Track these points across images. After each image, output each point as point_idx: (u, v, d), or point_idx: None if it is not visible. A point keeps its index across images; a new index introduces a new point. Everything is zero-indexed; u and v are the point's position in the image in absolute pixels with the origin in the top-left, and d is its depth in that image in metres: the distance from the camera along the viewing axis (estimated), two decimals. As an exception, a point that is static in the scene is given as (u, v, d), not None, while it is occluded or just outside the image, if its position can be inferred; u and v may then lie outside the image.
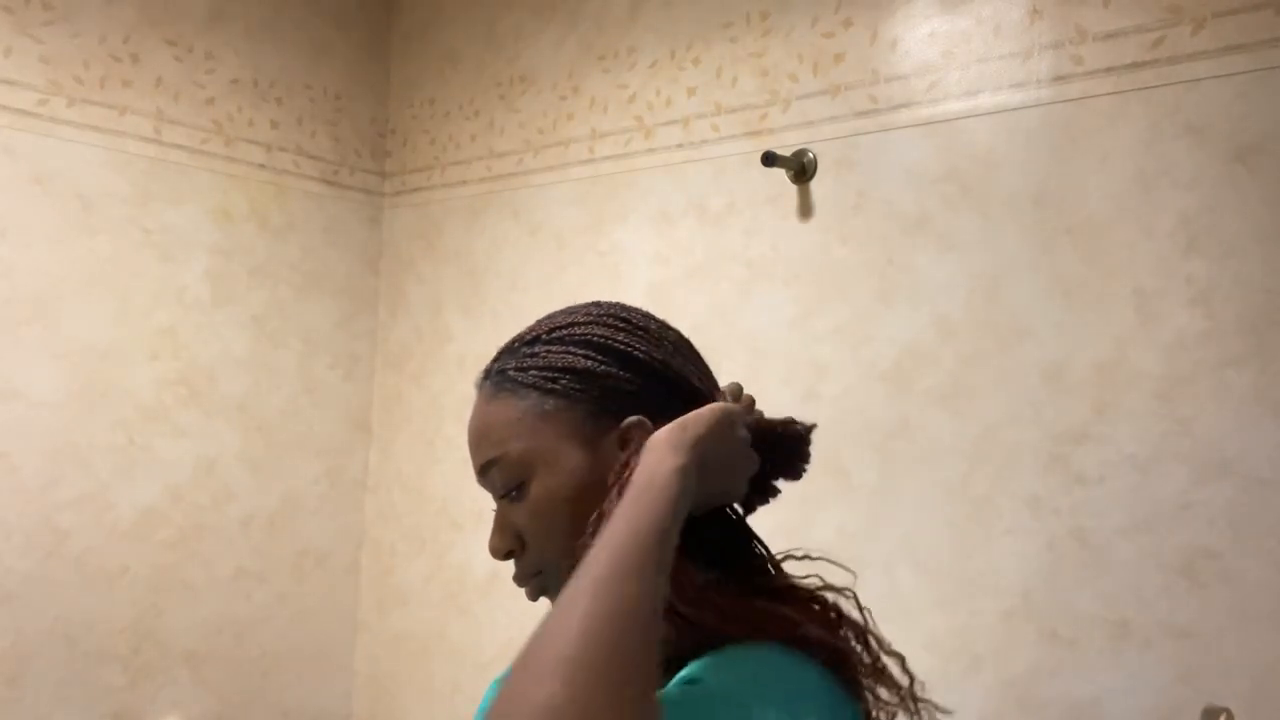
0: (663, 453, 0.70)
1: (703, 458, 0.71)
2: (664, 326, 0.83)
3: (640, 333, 0.81)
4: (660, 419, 0.74)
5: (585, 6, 2.34)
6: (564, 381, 0.78)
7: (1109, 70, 1.66)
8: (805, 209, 1.97)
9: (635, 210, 2.21)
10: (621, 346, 0.79)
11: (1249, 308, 1.53)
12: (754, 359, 1.99)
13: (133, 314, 2.22)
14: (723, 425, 0.74)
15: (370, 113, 2.69)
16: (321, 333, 2.56)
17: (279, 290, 2.48)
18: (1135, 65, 1.63)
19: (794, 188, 1.98)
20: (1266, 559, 1.49)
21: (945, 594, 1.77)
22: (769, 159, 1.91)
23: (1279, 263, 1.51)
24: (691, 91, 2.15)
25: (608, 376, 0.78)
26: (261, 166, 2.46)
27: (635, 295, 2.17)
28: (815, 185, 1.96)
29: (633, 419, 0.76)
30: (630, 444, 0.75)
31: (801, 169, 1.96)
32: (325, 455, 2.52)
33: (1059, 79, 1.70)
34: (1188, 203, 1.58)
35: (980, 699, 1.72)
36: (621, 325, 0.81)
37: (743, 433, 0.76)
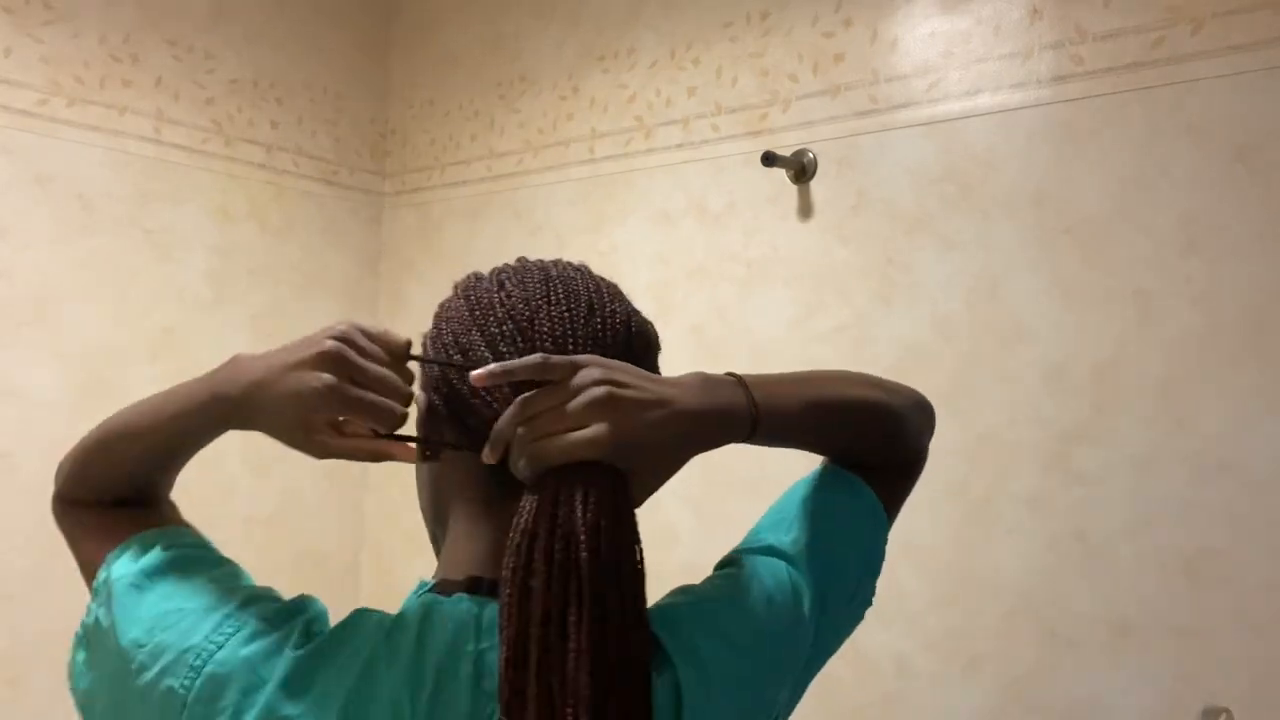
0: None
1: None
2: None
3: None
4: None
5: (585, 7, 2.34)
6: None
7: (1109, 70, 1.66)
8: (805, 209, 1.97)
9: (635, 210, 2.21)
10: None
11: (1249, 308, 1.53)
12: (754, 359, 1.99)
13: (133, 314, 2.22)
14: None
15: (370, 113, 2.69)
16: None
17: (279, 290, 2.48)
18: (1135, 65, 1.63)
19: (794, 188, 1.98)
20: (1266, 559, 1.49)
21: (945, 594, 1.77)
22: (769, 159, 1.91)
23: (1279, 263, 1.51)
24: (691, 91, 2.15)
25: None
26: (261, 166, 2.46)
27: (635, 295, 2.17)
28: (815, 185, 1.96)
29: None
30: None
31: (801, 169, 1.96)
32: (325, 455, 2.52)
33: (1059, 79, 1.70)
34: (1188, 203, 1.58)
35: (980, 699, 1.72)
36: None
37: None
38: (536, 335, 0.69)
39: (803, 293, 1.96)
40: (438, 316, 0.75)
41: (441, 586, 0.67)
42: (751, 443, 0.71)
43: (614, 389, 0.63)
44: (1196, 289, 1.57)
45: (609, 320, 0.73)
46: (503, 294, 0.72)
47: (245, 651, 0.63)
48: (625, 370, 0.65)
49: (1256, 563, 1.50)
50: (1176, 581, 1.56)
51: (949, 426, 1.80)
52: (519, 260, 0.77)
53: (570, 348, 0.68)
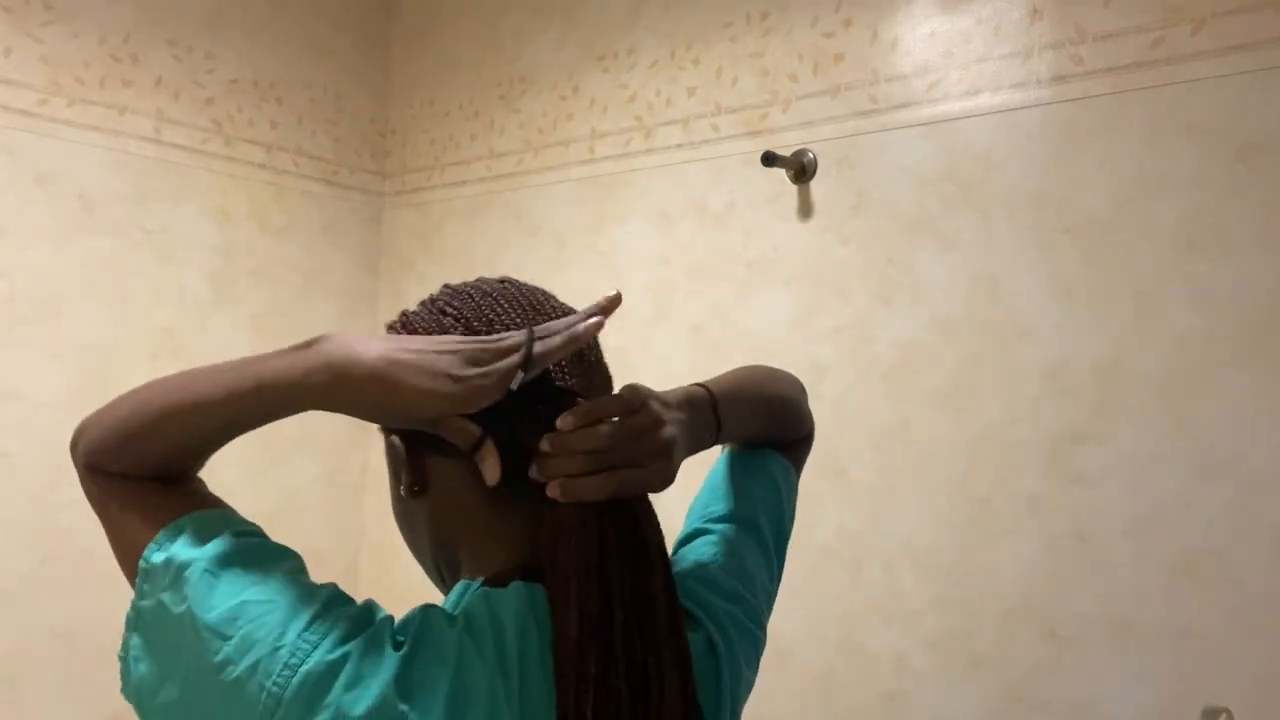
0: None
1: None
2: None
3: None
4: None
5: (585, 7, 2.34)
6: None
7: (1109, 70, 1.66)
8: (805, 209, 1.97)
9: (635, 210, 2.21)
10: None
11: (1249, 308, 1.53)
12: (754, 359, 1.99)
13: (133, 314, 2.22)
14: None
15: (370, 113, 2.69)
16: (321, 333, 2.55)
17: (279, 290, 2.48)
18: (1135, 65, 1.63)
19: (794, 188, 1.98)
20: (1266, 559, 1.49)
21: (945, 594, 1.77)
22: (769, 159, 1.91)
23: (1279, 263, 1.51)
24: (691, 91, 2.15)
25: None
26: (261, 166, 2.46)
27: (635, 295, 2.17)
28: (815, 185, 1.96)
29: None
30: None
31: (801, 169, 1.96)
32: (325, 455, 2.52)
33: (1059, 79, 1.70)
34: (1188, 203, 1.58)
35: (980, 699, 1.72)
36: None
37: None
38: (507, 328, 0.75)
39: (803, 293, 1.96)
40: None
41: (493, 580, 0.72)
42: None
43: (675, 435, 0.74)
44: (1196, 289, 1.57)
45: (559, 312, 0.78)
46: (461, 304, 0.76)
47: (342, 651, 0.64)
48: (662, 402, 0.75)
49: (1256, 563, 1.50)
50: (1176, 581, 1.56)
51: (949, 426, 1.80)
52: (443, 289, 0.80)
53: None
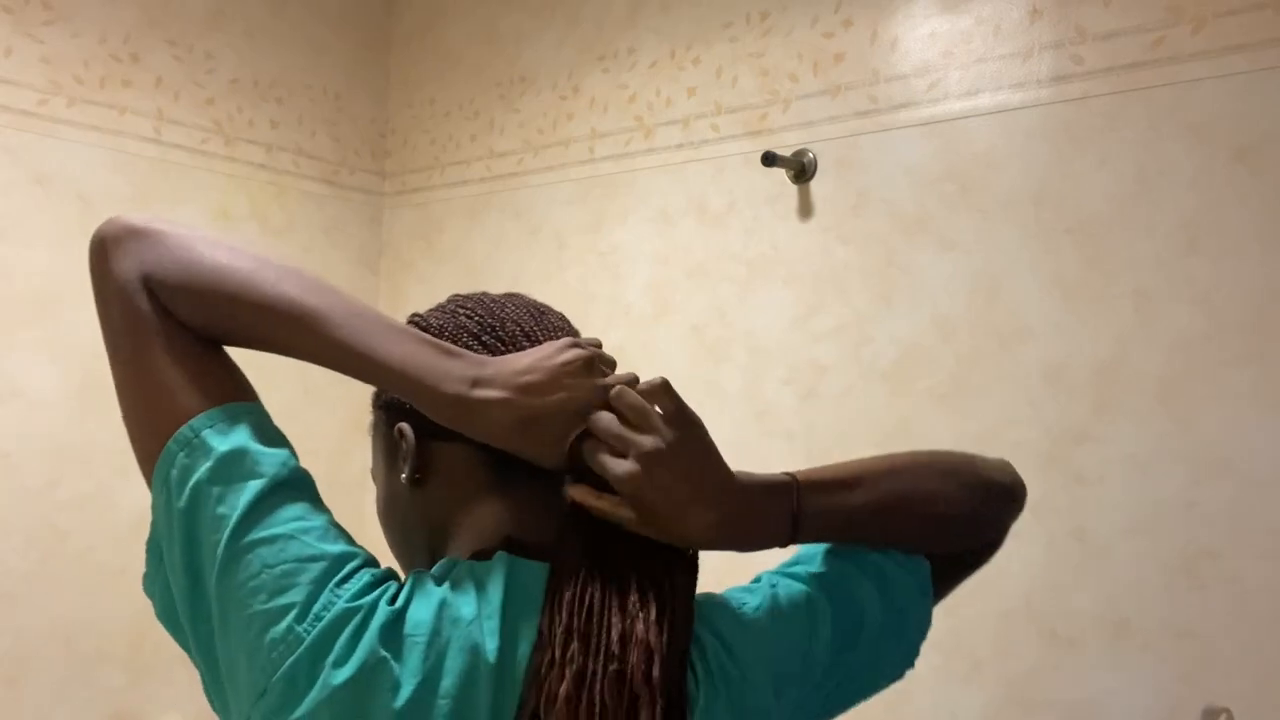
0: None
1: None
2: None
3: None
4: None
5: (585, 7, 2.34)
6: None
7: (1109, 70, 1.66)
8: (805, 209, 1.97)
9: (635, 210, 2.21)
10: None
11: (1249, 308, 1.53)
12: (754, 359, 1.99)
13: (133, 314, 2.22)
14: None
15: (370, 113, 2.69)
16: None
17: (279, 290, 2.48)
18: (1135, 65, 1.63)
19: (794, 188, 1.98)
20: (1266, 559, 1.49)
21: (945, 594, 1.77)
22: (769, 159, 1.91)
23: (1279, 263, 1.51)
24: (691, 91, 2.15)
25: None
26: (261, 166, 2.46)
27: (635, 295, 2.17)
28: (815, 185, 1.96)
29: None
30: None
31: (801, 169, 1.96)
32: (325, 455, 2.52)
33: (1059, 79, 1.70)
34: (1188, 203, 1.58)
35: (980, 699, 1.72)
36: None
37: None
38: (510, 335, 0.75)
39: (803, 293, 1.96)
40: None
41: (477, 556, 0.72)
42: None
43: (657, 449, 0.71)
44: (1197, 289, 1.57)
45: (555, 318, 0.79)
46: (461, 317, 0.77)
47: (357, 604, 0.65)
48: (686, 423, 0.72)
49: (1256, 563, 1.50)
50: (1176, 581, 1.56)
51: (949, 426, 1.80)
52: (450, 299, 0.82)
53: (538, 341, 0.75)
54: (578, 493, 0.70)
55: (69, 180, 2.15)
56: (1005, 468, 0.91)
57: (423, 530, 0.77)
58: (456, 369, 0.69)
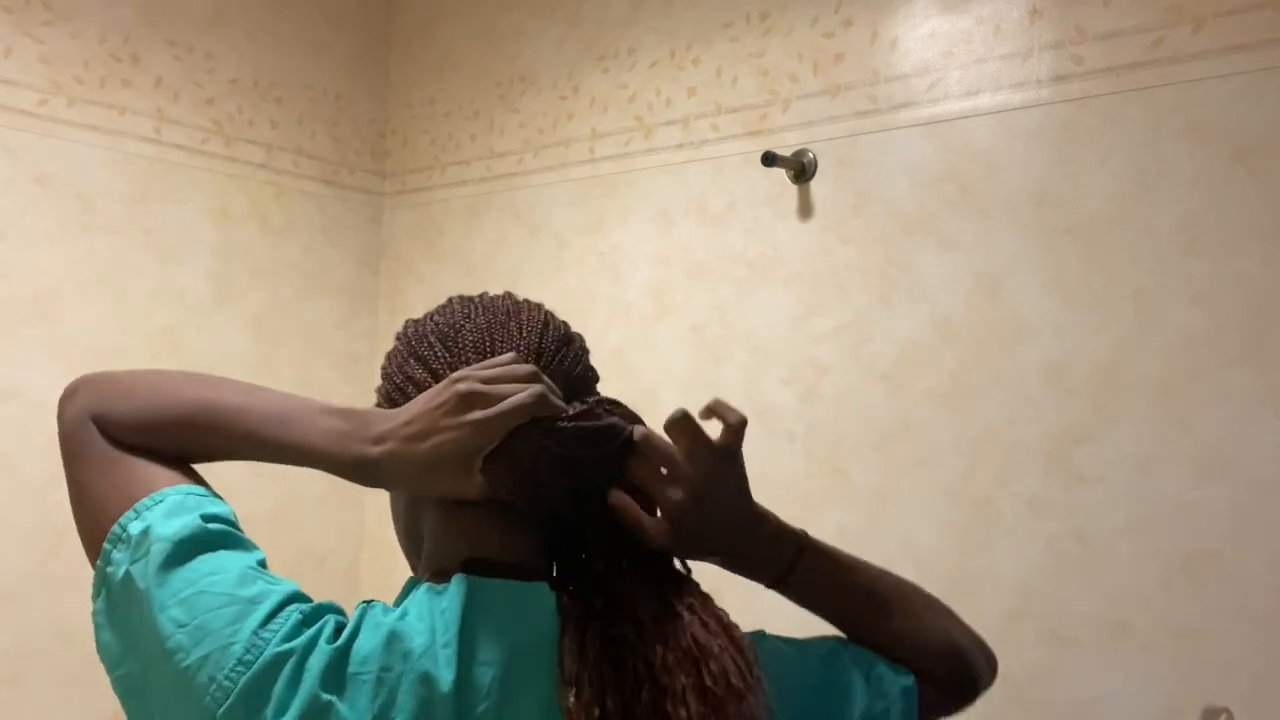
0: None
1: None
2: None
3: None
4: None
5: (585, 6, 2.34)
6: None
7: (1109, 70, 1.66)
8: (805, 209, 1.97)
9: (635, 210, 2.21)
10: None
11: (1249, 308, 1.53)
12: (754, 359, 1.99)
13: (133, 314, 2.22)
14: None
15: (370, 113, 2.69)
16: (321, 333, 2.56)
17: (279, 290, 2.48)
18: (1135, 65, 1.63)
19: (794, 188, 1.98)
20: (1266, 559, 1.49)
21: (945, 594, 1.77)
22: (769, 159, 1.91)
23: (1279, 263, 1.51)
24: (691, 91, 2.15)
25: None
26: (261, 166, 2.46)
27: (635, 295, 2.17)
28: (815, 185, 1.96)
29: None
30: None
31: (801, 169, 1.96)
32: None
33: (1059, 79, 1.70)
34: (1188, 203, 1.58)
35: (980, 699, 1.72)
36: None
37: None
38: (460, 346, 0.76)
39: (803, 293, 1.96)
40: (383, 367, 0.81)
41: (436, 577, 0.72)
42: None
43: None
44: (1196, 289, 1.57)
45: (525, 323, 0.78)
46: (429, 323, 0.79)
47: (288, 647, 0.64)
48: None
49: (1256, 563, 1.50)
50: (1176, 581, 1.56)
51: (949, 426, 1.80)
52: (447, 300, 0.83)
53: (489, 351, 0.75)
54: (620, 501, 0.73)
55: (69, 180, 2.15)
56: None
57: (406, 536, 0.80)
58: (357, 431, 0.71)
